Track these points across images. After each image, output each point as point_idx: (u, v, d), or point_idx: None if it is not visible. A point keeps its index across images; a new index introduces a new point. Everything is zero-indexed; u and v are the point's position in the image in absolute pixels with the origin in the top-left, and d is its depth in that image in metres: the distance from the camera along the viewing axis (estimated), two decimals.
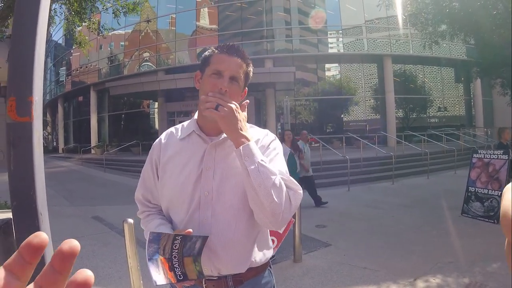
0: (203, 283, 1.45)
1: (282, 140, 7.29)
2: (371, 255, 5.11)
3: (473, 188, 7.15)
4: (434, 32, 9.41)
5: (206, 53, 1.53)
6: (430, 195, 9.66)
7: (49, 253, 1.43)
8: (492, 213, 6.59)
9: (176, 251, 1.30)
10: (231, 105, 1.35)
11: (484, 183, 6.99)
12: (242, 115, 1.39)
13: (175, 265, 1.30)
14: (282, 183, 1.35)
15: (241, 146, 1.32)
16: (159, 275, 1.26)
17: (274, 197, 1.29)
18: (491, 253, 4.97)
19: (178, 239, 1.29)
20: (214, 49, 1.51)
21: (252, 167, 1.30)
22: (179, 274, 1.30)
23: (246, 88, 1.56)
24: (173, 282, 1.29)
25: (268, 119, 22.73)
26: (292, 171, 7.06)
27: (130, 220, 2.85)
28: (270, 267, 1.64)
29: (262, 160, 1.32)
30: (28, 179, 1.41)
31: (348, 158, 8.25)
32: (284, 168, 1.47)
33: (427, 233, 6.13)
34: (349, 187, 10.50)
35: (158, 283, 1.25)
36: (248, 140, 1.34)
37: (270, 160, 1.43)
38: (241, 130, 1.35)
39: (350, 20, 24.25)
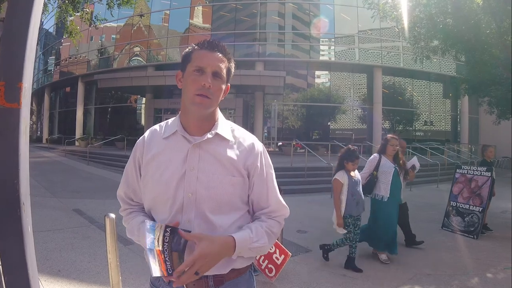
0: None
1: (382, 151, 5.55)
2: None
3: (455, 203, 7.24)
4: (426, 47, 9.50)
5: (187, 50, 1.50)
6: (412, 207, 9.71)
7: (29, 244, 1.40)
8: (472, 228, 6.67)
9: (167, 244, 1.30)
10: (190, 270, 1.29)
11: (466, 198, 7.09)
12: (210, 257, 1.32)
13: (166, 258, 1.30)
14: (271, 232, 1.49)
15: (233, 256, 1.39)
16: (156, 266, 1.29)
17: (267, 248, 1.50)
18: (470, 267, 5.04)
19: (168, 231, 1.30)
20: (194, 46, 1.49)
21: (247, 256, 1.46)
22: (169, 268, 1.30)
23: (229, 84, 1.55)
24: (164, 275, 1.30)
25: (256, 122, 22.77)
26: (397, 196, 5.47)
27: (112, 215, 2.79)
28: (252, 269, 1.62)
29: (251, 248, 1.41)
30: (13, 167, 1.37)
31: (333, 166, 8.25)
32: (276, 191, 1.57)
33: None
34: (332, 194, 10.49)
35: (155, 275, 1.29)
36: (233, 251, 1.37)
37: (262, 182, 1.52)
38: (219, 255, 1.35)
39: (344, 29, 24.44)
